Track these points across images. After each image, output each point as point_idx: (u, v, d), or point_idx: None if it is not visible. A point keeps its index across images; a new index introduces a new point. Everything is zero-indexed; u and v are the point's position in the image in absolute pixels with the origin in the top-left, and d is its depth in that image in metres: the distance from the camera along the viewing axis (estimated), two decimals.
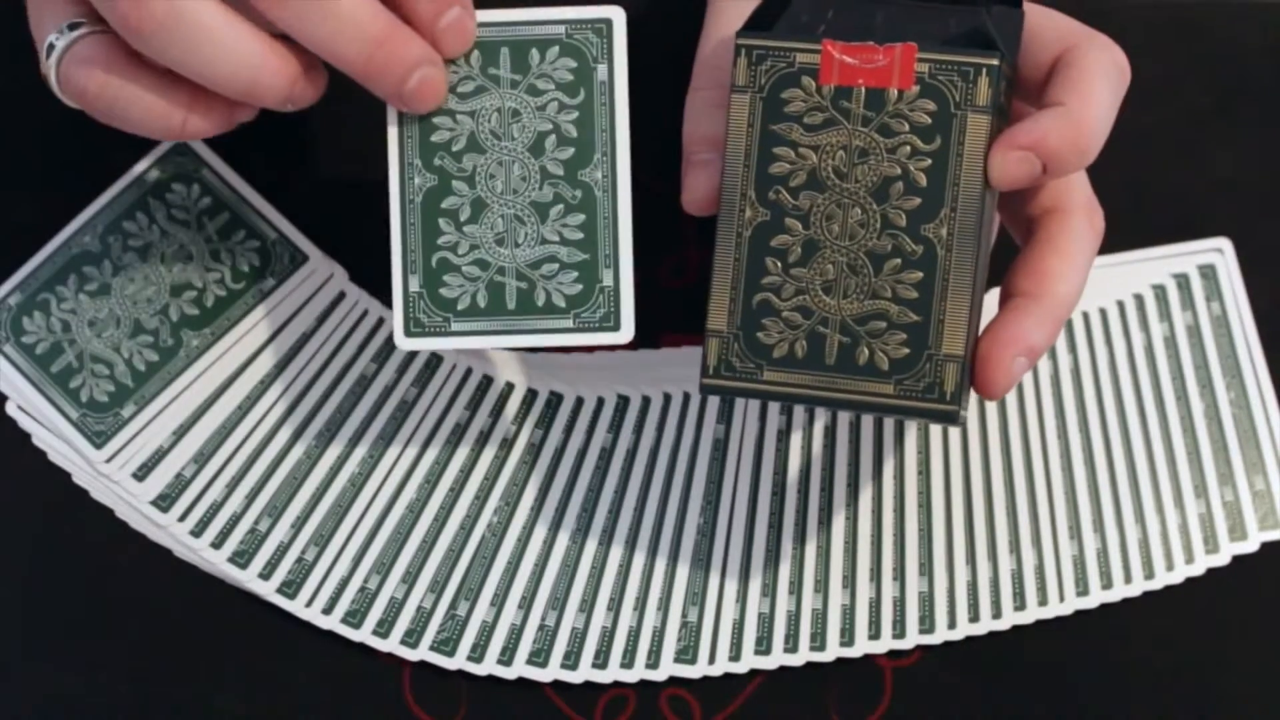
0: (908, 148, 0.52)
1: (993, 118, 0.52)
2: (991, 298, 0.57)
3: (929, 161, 0.52)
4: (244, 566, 0.61)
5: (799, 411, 0.63)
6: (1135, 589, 0.62)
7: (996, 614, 0.61)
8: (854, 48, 0.52)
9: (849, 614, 0.61)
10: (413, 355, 0.64)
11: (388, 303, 0.64)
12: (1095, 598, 0.62)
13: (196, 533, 0.62)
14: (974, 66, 0.52)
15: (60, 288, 0.63)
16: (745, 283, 0.53)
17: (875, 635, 0.61)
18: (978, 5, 0.53)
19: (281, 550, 0.61)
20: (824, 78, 0.52)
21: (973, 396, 0.63)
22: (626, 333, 0.55)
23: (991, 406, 0.63)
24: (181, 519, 0.62)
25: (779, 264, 0.53)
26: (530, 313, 0.55)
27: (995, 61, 0.51)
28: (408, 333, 0.55)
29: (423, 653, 0.61)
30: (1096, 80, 0.53)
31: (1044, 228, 0.55)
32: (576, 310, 0.55)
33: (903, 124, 0.52)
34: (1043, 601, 0.62)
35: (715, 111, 0.55)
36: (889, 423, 0.63)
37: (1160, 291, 0.65)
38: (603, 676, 0.61)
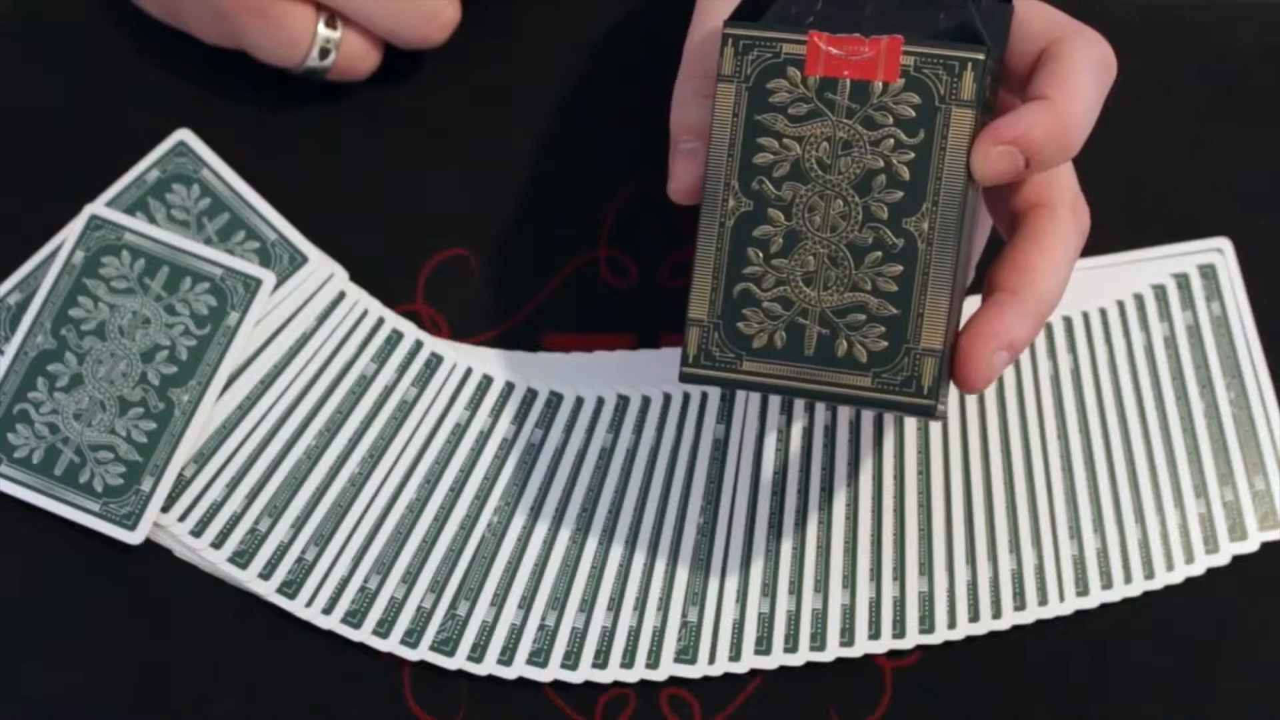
0: (891, 140, 0.52)
1: (977, 112, 0.52)
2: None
3: (912, 155, 0.52)
4: (244, 566, 0.61)
5: (799, 411, 0.63)
6: (1135, 589, 0.62)
7: (996, 614, 0.61)
8: (840, 39, 0.52)
9: (849, 614, 0.61)
10: (413, 355, 0.64)
11: (388, 303, 0.64)
12: (1095, 598, 0.62)
13: (196, 533, 0.62)
14: (959, 60, 0.52)
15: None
16: (727, 272, 0.53)
17: (875, 635, 0.61)
18: (966, 0, 0.53)
19: (281, 550, 0.61)
20: (810, 69, 0.52)
21: (956, 392, 0.63)
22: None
23: (992, 407, 0.63)
24: (181, 519, 0.62)
25: (760, 254, 0.53)
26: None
27: (980, 56, 0.51)
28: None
29: (423, 653, 0.61)
30: (1082, 74, 0.53)
31: (1028, 222, 0.55)
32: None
33: (887, 117, 0.52)
34: (1043, 601, 0.62)
35: (702, 101, 0.55)
36: (889, 423, 0.63)
37: (1160, 291, 0.65)
38: (603, 676, 0.61)
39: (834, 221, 0.52)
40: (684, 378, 0.53)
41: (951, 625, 0.61)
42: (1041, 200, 0.55)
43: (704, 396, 0.63)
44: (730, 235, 0.53)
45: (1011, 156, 0.52)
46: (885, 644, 0.61)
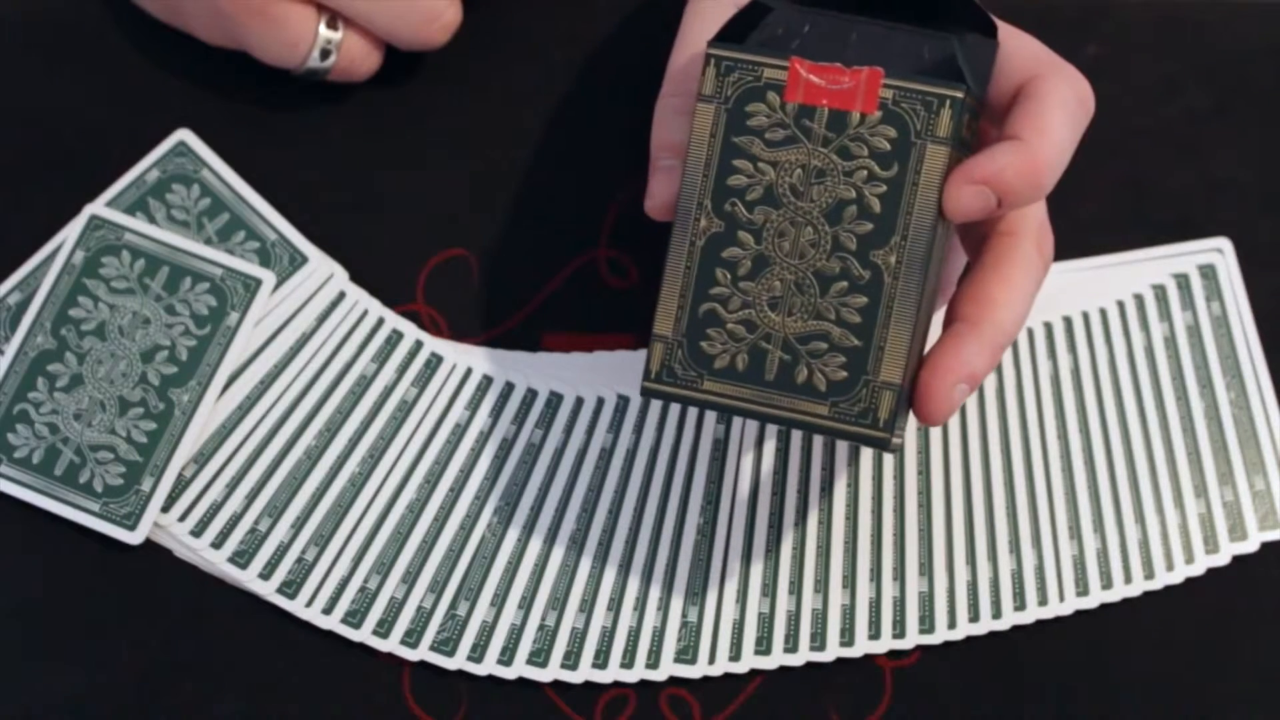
0: (865, 172, 0.52)
1: (952, 149, 0.52)
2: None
3: (884, 188, 0.52)
4: (244, 566, 0.61)
5: None
6: (1135, 589, 0.62)
7: (996, 614, 0.61)
8: (821, 68, 0.52)
9: (849, 614, 0.61)
10: (413, 355, 0.64)
11: (388, 302, 0.64)
12: (1095, 598, 0.62)
13: (196, 533, 0.62)
14: (937, 98, 0.52)
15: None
16: (694, 291, 0.53)
17: (875, 635, 0.61)
18: (952, 34, 0.53)
19: (281, 550, 0.61)
20: (789, 95, 0.53)
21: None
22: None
23: (992, 407, 0.63)
24: (181, 519, 0.62)
25: (728, 275, 0.53)
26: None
27: (959, 94, 0.51)
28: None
29: (423, 653, 0.61)
30: (1055, 114, 0.53)
31: (991, 250, 0.55)
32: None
33: (862, 148, 0.52)
34: (1043, 601, 0.62)
35: (683, 120, 0.55)
36: None
37: (1160, 291, 0.65)
38: (603, 676, 0.61)
39: (803, 249, 0.53)
40: (645, 392, 0.54)
41: (951, 625, 0.61)
42: (1008, 228, 0.55)
43: None
44: (700, 255, 0.53)
45: (983, 196, 0.52)
46: (885, 644, 0.61)
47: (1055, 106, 0.53)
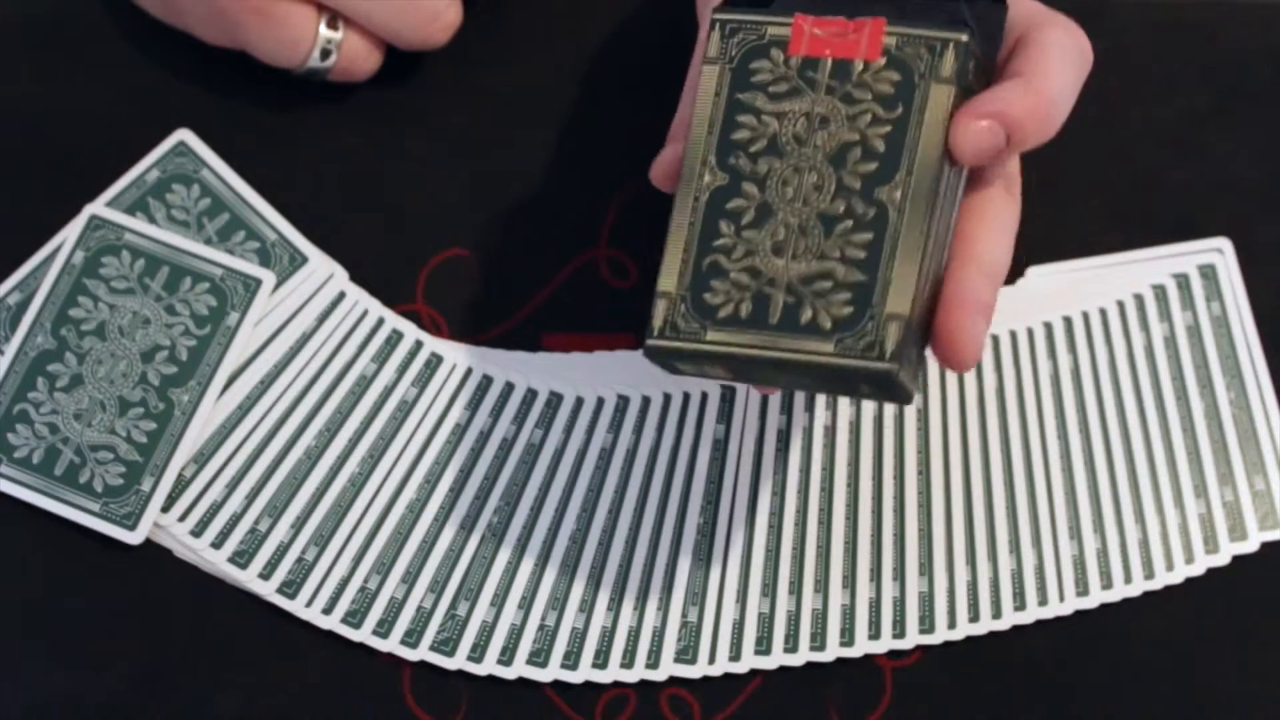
0: (869, 115, 0.52)
1: (956, 88, 0.51)
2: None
3: (888, 128, 0.52)
4: (244, 566, 0.61)
5: (799, 411, 0.63)
6: (1135, 589, 0.62)
7: (996, 614, 0.61)
8: (825, 21, 0.52)
9: (849, 614, 0.61)
10: (413, 355, 0.64)
11: (388, 302, 0.64)
12: (1095, 598, 0.62)
13: (196, 533, 0.62)
14: (941, 41, 0.52)
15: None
16: (698, 246, 0.52)
17: (875, 635, 0.61)
18: (962, 1, 0.53)
19: (281, 550, 0.61)
20: (793, 48, 0.52)
21: (950, 393, 0.63)
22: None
23: (992, 407, 0.63)
24: (181, 519, 0.62)
25: (732, 226, 0.52)
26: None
27: (963, 37, 0.51)
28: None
29: (423, 653, 0.61)
30: (1055, 56, 0.53)
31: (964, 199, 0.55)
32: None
33: (866, 93, 0.52)
34: (1043, 601, 0.62)
35: None
36: (889, 423, 0.63)
37: (1160, 291, 0.65)
38: (603, 676, 0.61)
39: (806, 194, 0.52)
40: (649, 351, 0.52)
41: (951, 625, 0.61)
42: (975, 175, 0.55)
43: (704, 396, 0.63)
44: (704, 209, 0.52)
45: (992, 133, 0.51)
46: (885, 644, 0.61)
47: (1056, 50, 0.53)
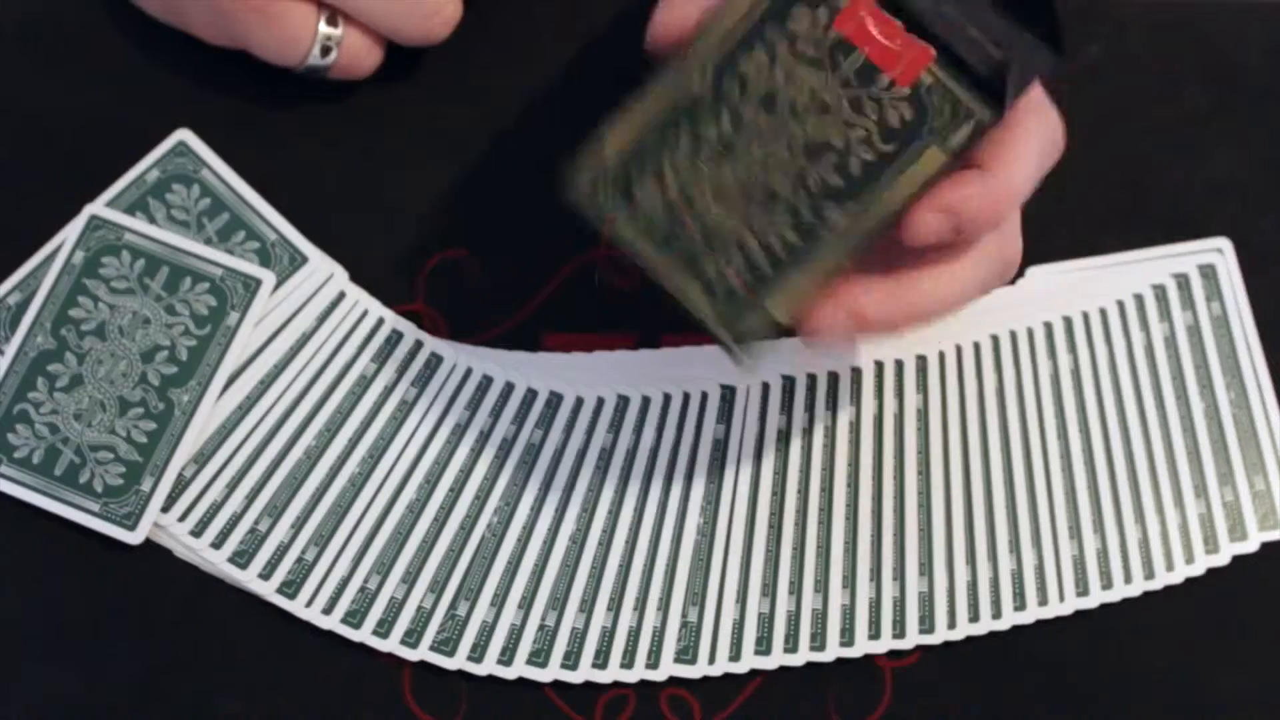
0: (863, 133, 0.51)
1: (949, 160, 0.51)
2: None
3: (872, 156, 0.51)
4: (244, 566, 0.61)
5: (799, 411, 0.63)
6: (1135, 589, 0.62)
7: (996, 614, 0.61)
8: (881, 15, 0.51)
9: (849, 614, 0.61)
10: (413, 355, 0.64)
11: (388, 302, 0.64)
12: (1095, 598, 0.62)
13: (196, 533, 0.62)
14: (967, 109, 0.51)
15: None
16: (651, 140, 0.52)
17: (875, 635, 0.61)
18: (1025, 34, 0.52)
19: (281, 550, 0.62)
20: (839, 23, 0.51)
21: (960, 388, 0.63)
22: (138, 535, 0.60)
23: (992, 406, 0.63)
24: (181, 519, 0.62)
25: (691, 146, 0.52)
26: (70, 485, 0.60)
27: (986, 119, 0.51)
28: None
29: (423, 653, 0.61)
30: (1022, 148, 0.53)
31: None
32: (107, 500, 0.60)
33: (874, 112, 0.51)
34: (1043, 601, 0.62)
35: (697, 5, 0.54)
36: (889, 423, 0.63)
37: (1160, 291, 0.65)
38: (603, 676, 0.61)
39: (769, 163, 0.52)
40: (570, 194, 0.52)
41: (951, 625, 0.61)
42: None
43: (704, 396, 0.63)
44: (678, 113, 0.52)
45: (943, 224, 0.52)
46: (885, 644, 0.61)
47: (1025, 140, 0.53)
